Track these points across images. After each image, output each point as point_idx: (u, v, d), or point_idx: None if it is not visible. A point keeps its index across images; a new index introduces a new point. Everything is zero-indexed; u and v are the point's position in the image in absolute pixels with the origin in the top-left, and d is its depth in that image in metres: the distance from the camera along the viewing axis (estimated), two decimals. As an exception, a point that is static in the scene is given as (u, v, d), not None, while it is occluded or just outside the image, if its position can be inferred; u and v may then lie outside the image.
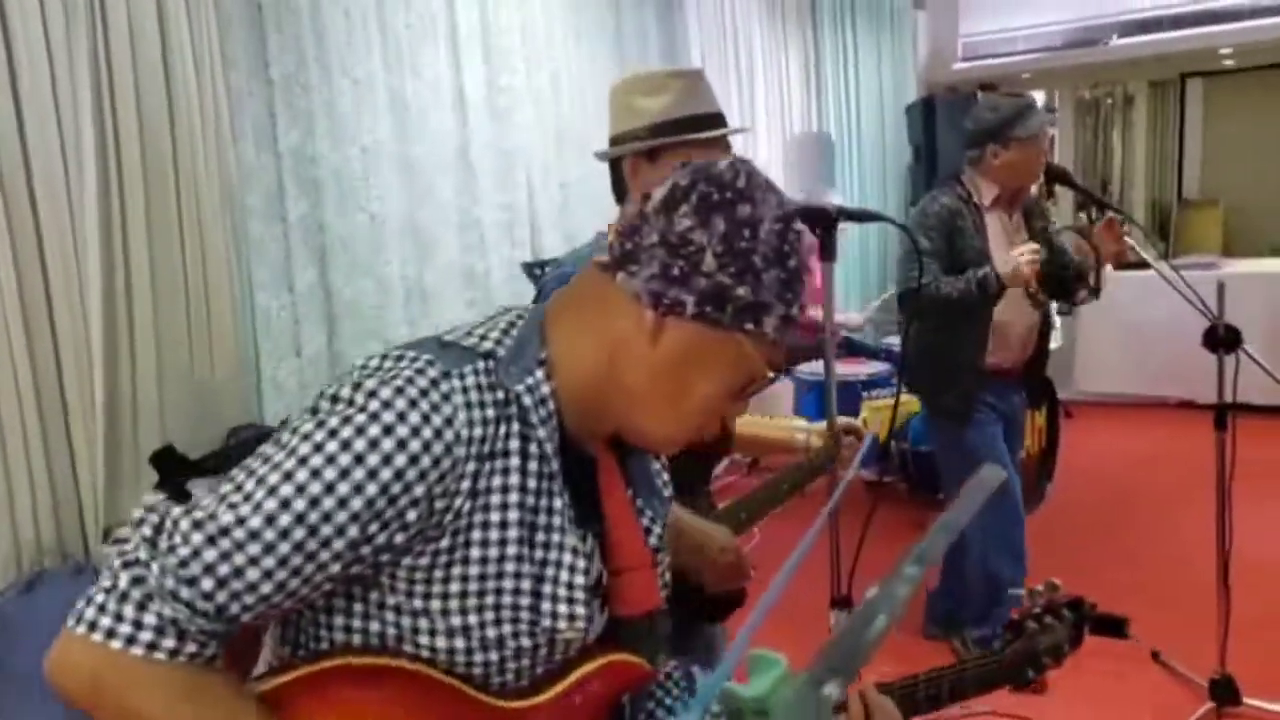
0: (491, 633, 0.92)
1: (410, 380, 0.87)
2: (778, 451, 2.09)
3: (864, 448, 1.36)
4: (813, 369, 4.71)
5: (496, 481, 0.91)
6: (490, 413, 0.90)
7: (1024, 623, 1.22)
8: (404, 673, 0.91)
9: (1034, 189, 3.25)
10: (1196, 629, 3.05)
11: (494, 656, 0.93)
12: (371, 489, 0.84)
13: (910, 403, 4.34)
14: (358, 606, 0.92)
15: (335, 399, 0.88)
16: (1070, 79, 7.47)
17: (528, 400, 0.92)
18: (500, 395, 0.91)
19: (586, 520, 0.98)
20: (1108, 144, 7.86)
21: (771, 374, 1.00)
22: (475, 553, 0.91)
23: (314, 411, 0.89)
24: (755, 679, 1.09)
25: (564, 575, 0.95)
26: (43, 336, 2.43)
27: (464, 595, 0.91)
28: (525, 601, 0.93)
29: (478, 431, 0.89)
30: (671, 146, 1.72)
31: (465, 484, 0.88)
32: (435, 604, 0.91)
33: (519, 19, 3.91)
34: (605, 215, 1.92)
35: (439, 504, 0.87)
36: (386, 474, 0.84)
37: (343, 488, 0.84)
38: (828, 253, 1.63)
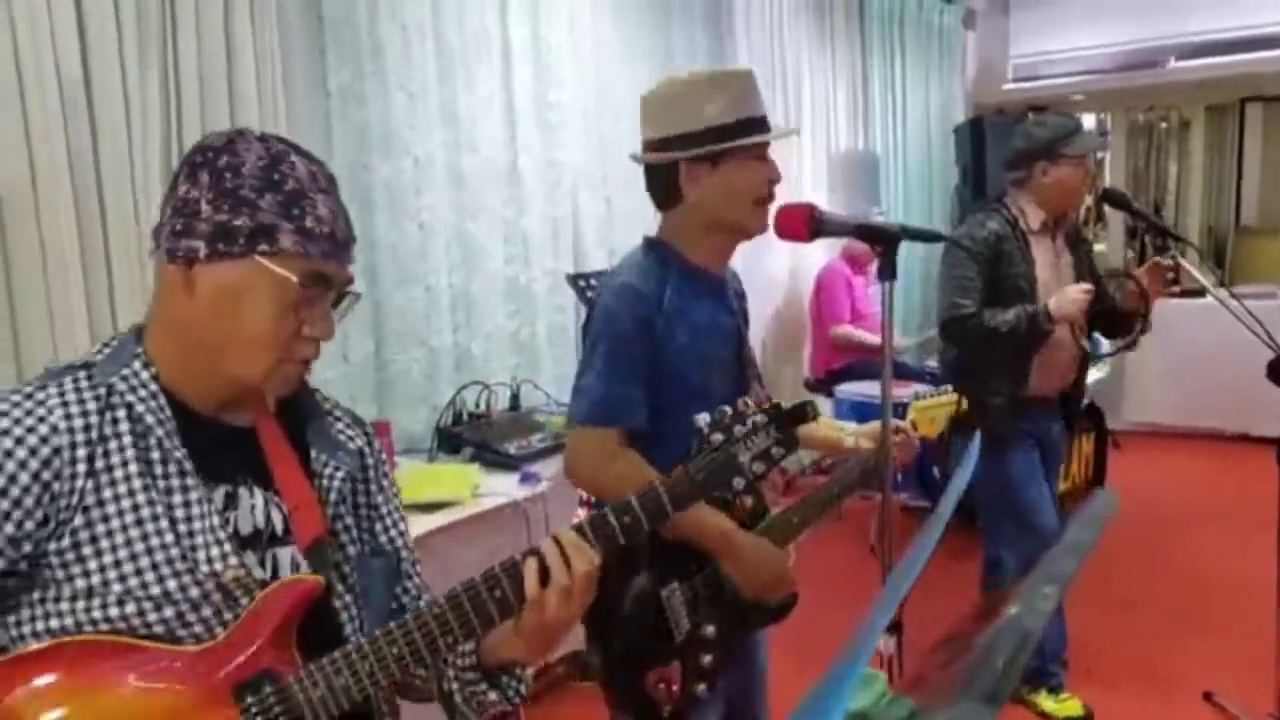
0: (156, 589, 1.03)
1: (2, 400, 1.03)
2: (826, 450, 2.08)
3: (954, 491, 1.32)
4: (856, 389, 4.67)
5: (115, 459, 1.04)
6: (91, 405, 1.05)
7: (709, 437, 1.15)
8: (76, 645, 1.01)
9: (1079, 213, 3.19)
10: (1251, 669, 2.98)
11: (169, 612, 1.03)
12: None
13: (953, 401, 4.25)
14: (37, 610, 1.03)
15: None
16: (1124, 102, 7.35)
17: (122, 386, 1.06)
18: (101, 391, 1.06)
19: (229, 475, 1.11)
20: (1162, 169, 7.73)
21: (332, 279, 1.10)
22: (114, 523, 1.03)
23: None
24: (855, 694, 1.07)
25: (206, 522, 1.06)
26: (102, 315, 2.48)
27: (118, 563, 1.02)
28: (175, 552, 1.04)
29: (78, 422, 1.03)
30: (733, 150, 1.72)
31: (80, 466, 1.02)
32: (95, 578, 1.02)
33: (569, 37, 3.94)
34: (650, 229, 1.93)
35: (56, 486, 1.01)
36: None
37: None
38: (889, 272, 1.61)
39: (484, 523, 2.77)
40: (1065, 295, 2.71)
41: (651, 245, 1.84)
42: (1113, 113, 7.49)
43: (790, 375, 5.47)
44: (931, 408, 2.11)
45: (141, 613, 1.02)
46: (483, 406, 3.49)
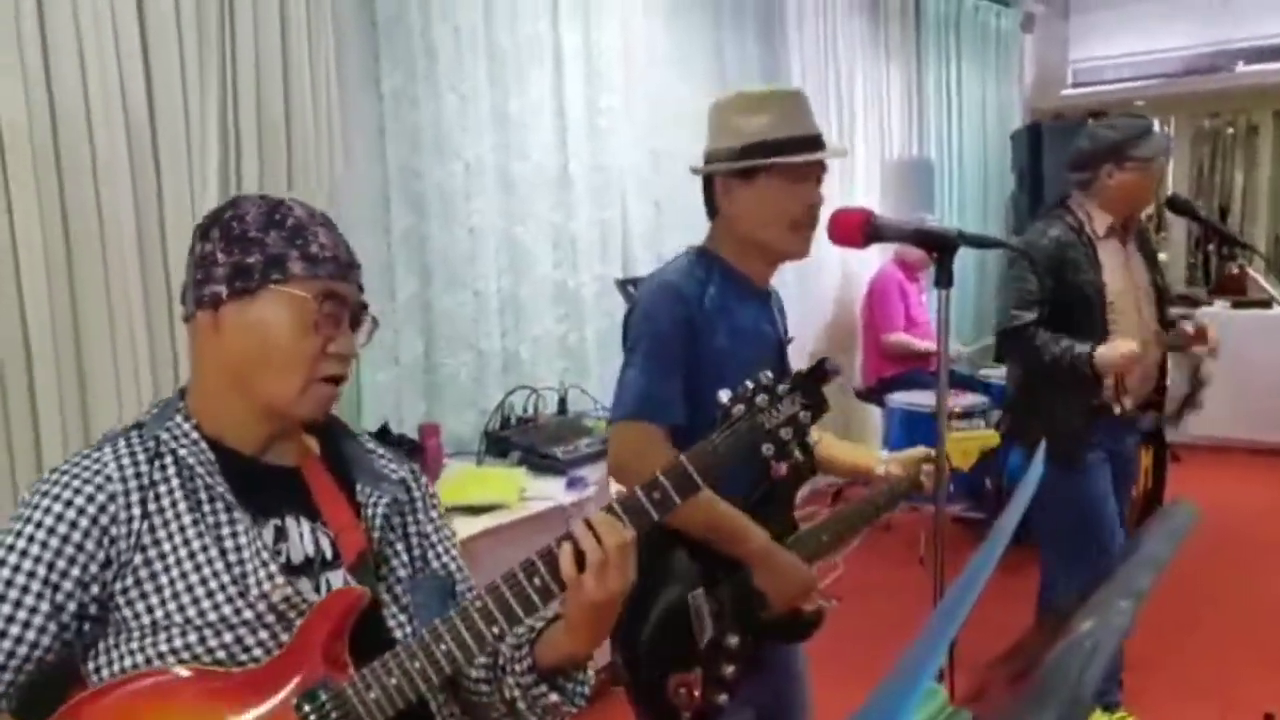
0: (213, 615, 1.11)
1: (65, 461, 1.16)
2: (857, 476, 2.06)
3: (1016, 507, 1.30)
4: (906, 399, 4.60)
5: (165, 501, 1.14)
6: (141, 457, 1.16)
7: (730, 410, 1.14)
8: (146, 674, 1.10)
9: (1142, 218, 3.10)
10: (1314, 692, 2.88)
11: (229, 638, 1.11)
12: (41, 535, 1.09)
13: (988, 437, 4.18)
14: (112, 653, 1.13)
15: (23, 500, 1.15)
16: (1188, 107, 7.17)
17: (166, 436, 1.17)
18: (150, 444, 1.17)
19: (276, 510, 1.20)
20: (1227, 176, 7.52)
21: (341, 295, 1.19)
22: (170, 559, 1.12)
23: None
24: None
25: (252, 549, 1.15)
26: (162, 336, 2.53)
27: (176, 595, 1.11)
28: (227, 578, 1.12)
29: (129, 471, 1.14)
30: (764, 168, 1.70)
31: (135, 510, 1.13)
32: (159, 612, 1.11)
33: (621, 41, 3.94)
34: (698, 234, 1.92)
35: (113, 530, 1.11)
36: (50, 520, 1.10)
37: (20, 544, 1.09)
38: (945, 279, 1.58)
39: (530, 526, 2.78)
40: (1114, 349, 2.62)
41: (695, 251, 1.83)
42: (1176, 118, 7.30)
43: (842, 384, 5.41)
44: (965, 440, 2.08)
45: (203, 640, 1.11)
46: (530, 411, 3.50)
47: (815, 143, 1.75)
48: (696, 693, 1.70)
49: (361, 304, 1.24)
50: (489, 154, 3.46)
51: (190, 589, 1.11)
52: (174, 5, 2.50)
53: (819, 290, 5.22)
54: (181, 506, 1.14)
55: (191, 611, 1.11)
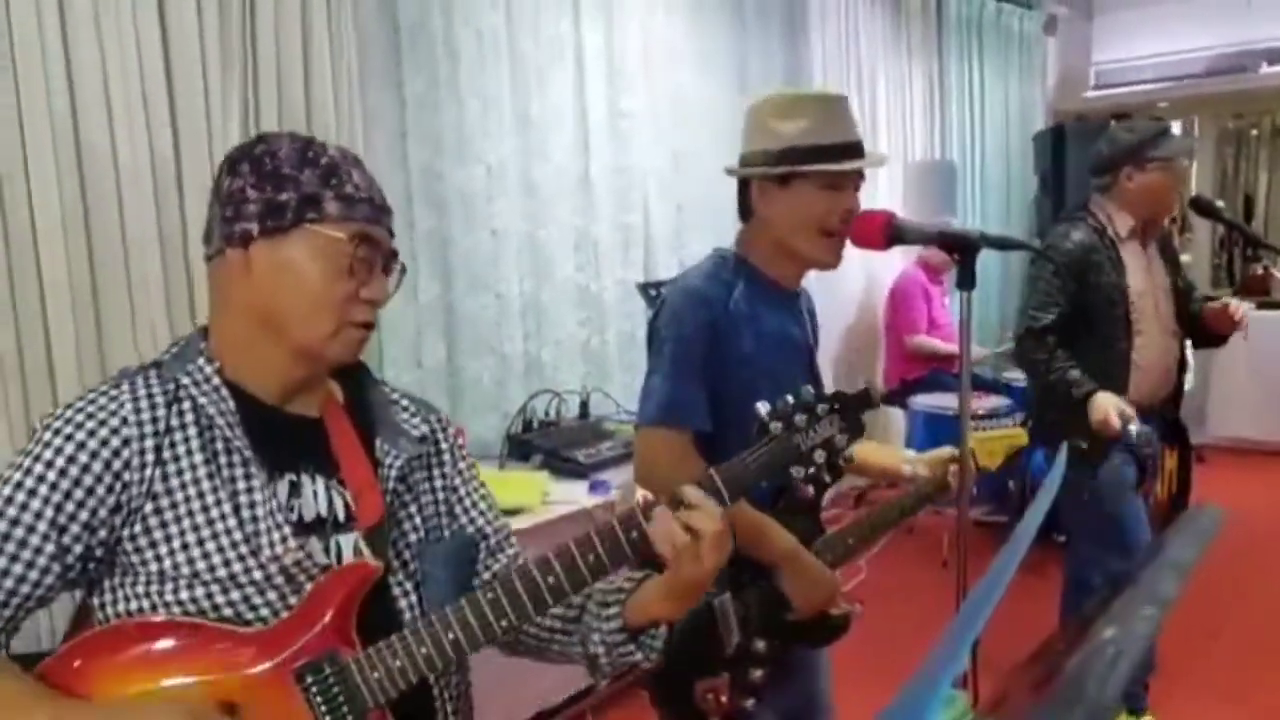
0: (222, 572, 1.09)
1: (79, 398, 1.12)
2: (884, 478, 2.05)
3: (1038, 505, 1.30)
4: (929, 401, 4.58)
5: (181, 449, 1.11)
6: (159, 400, 1.12)
7: (769, 426, 1.14)
8: (147, 624, 1.08)
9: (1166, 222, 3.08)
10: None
11: (236, 595, 1.09)
12: (51, 475, 1.06)
13: (1016, 435, 4.16)
14: (117, 593, 1.10)
15: (34, 433, 1.11)
16: (1212, 108, 7.10)
17: (187, 381, 1.13)
18: (169, 387, 1.13)
19: (292, 465, 1.17)
20: (1251, 177, 7.45)
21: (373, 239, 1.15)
22: (181, 509, 1.10)
23: None
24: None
25: (267, 508, 1.12)
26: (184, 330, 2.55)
27: (185, 547, 1.09)
28: (239, 536, 1.10)
29: (146, 415, 1.10)
30: (802, 174, 1.69)
31: (148, 456, 1.09)
32: (167, 562, 1.09)
33: (642, 43, 3.94)
34: (721, 237, 1.92)
35: (126, 476, 1.08)
36: (61, 461, 1.07)
37: (28, 482, 1.06)
38: (968, 281, 1.56)
39: (553, 530, 2.78)
40: (1109, 403, 2.63)
41: (723, 254, 1.82)
42: (1200, 120, 7.23)
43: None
44: (991, 440, 2.06)
45: (210, 595, 1.09)
46: (552, 414, 3.51)
47: (855, 149, 1.72)
48: (724, 698, 1.69)
49: (393, 250, 1.20)
50: (511, 157, 3.47)
51: (201, 543, 1.09)
52: (196, 10, 2.52)
53: (842, 292, 5.21)
54: (198, 457, 1.11)
55: (201, 565, 1.09)
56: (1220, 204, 2.81)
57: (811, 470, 1.14)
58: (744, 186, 1.79)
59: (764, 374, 1.73)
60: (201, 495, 1.10)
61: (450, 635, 1.12)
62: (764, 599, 1.74)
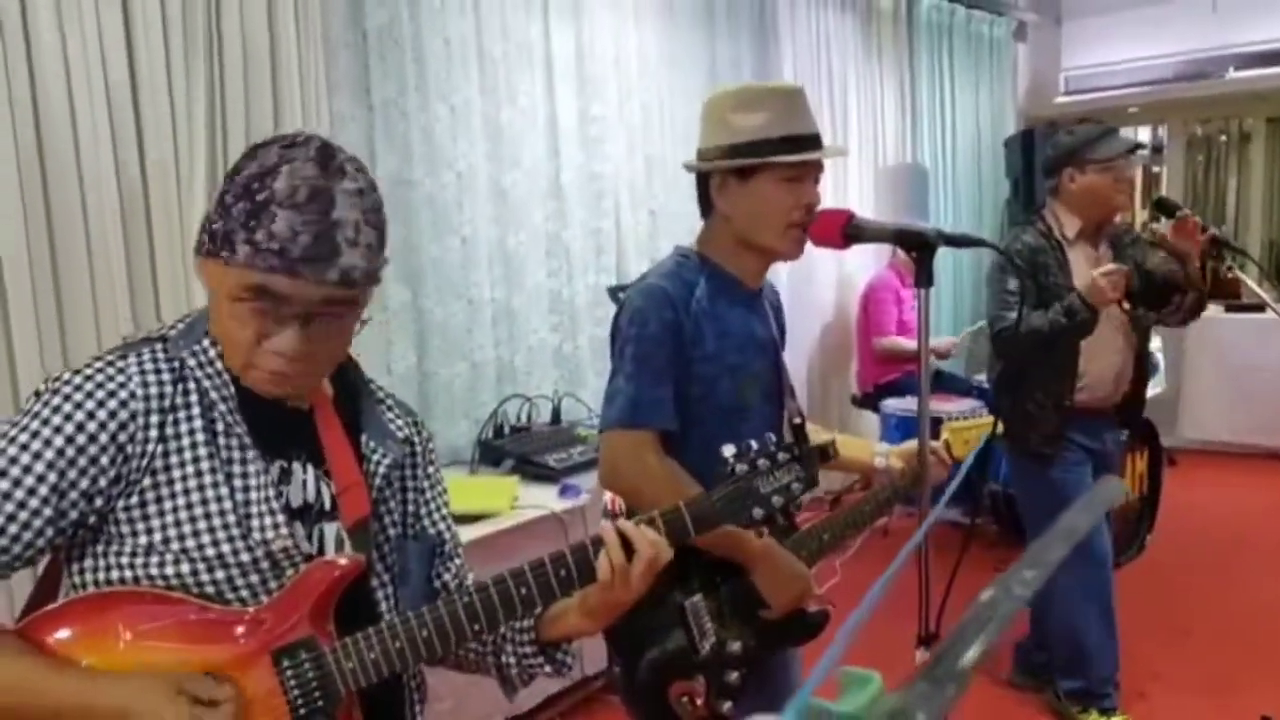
0: (211, 551, 1.11)
1: (87, 365, 1.13)
2: (855, 470, 2.05)
3: (955, 480, 1.31)
4: (901, 405, 4.60)
5: (184, 428, 1.13)
6: (166, 376, 1.14)
7: (734, 467, 1.24)
8: (135, 594, 1.10)
9: (1128, 218, 3.11)
10: (1311, 694, 2.86)
11: (221, 575, 1.12)
12: (59, 441, 1.08)
13: (987, 424, 4.17)
14: (100, 560, 1.12)
15: (38, 394, 1.12)
16: (1181, 113, 7.18)
17: (191, 362, 1.15)
18: (175, 364, 1.15)
19: (284, 451, 1.19)
20: (1221, 182, 7.53)
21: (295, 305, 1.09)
22: (178, 486, 1.12)
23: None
24: (849, 695, 1.05)
25: (262, 494, 1.15)
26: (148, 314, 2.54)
27: (178, 523, 1.11)
28: (232, 519, 1.12)
29: (153, 390, 1.12)
30: (761, 166, 1.70)
31: (152, 432, 1.11)
32: (157, 535, 1.11)
33: (613, 49, 3.95)
34: (693, 240, 1.91)
35: (129, 449, 1.10)
36: (69, 428, 1.08)
37: (34, 445, 1.07)
38: (925, 279, 1.57)
39: (522, 534, 2.77)
40: (1095, 277, 2.63)
41: (684, 253, 1.82)
42: (1169, 125, 7.32)
43: (838, 391, 5.41)
44: (965, 429, 2.06)
45: (195, 573, 1.11)
46: (524, 419, 3.50)
47: (813, 141, 1.73)
48: (700, 701, 1.68)
49: (321, 300, 1.10)
50: (481, 163, 3.47)
51: (193, 520, 1.11)
52: (160, 15, 2.50)
53: (815, 296, 5.23)
54: (200, 436, 1.13)
55: (190, 543, 1.11)
56: (1187, 211, 2.82)
57: (769, 514, 1.25)
58: (703, 182, 1.78)
59: (727, 371, 1.73)
60: (200, 474, 1.13)
61: (424, 634, 1.16)
62: (738, 599, 1.73)
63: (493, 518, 2.78)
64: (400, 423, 1.33)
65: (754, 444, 1.24)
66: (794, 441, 1.27)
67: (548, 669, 1.31)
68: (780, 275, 4.77)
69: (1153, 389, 4.37)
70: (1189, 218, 2.72)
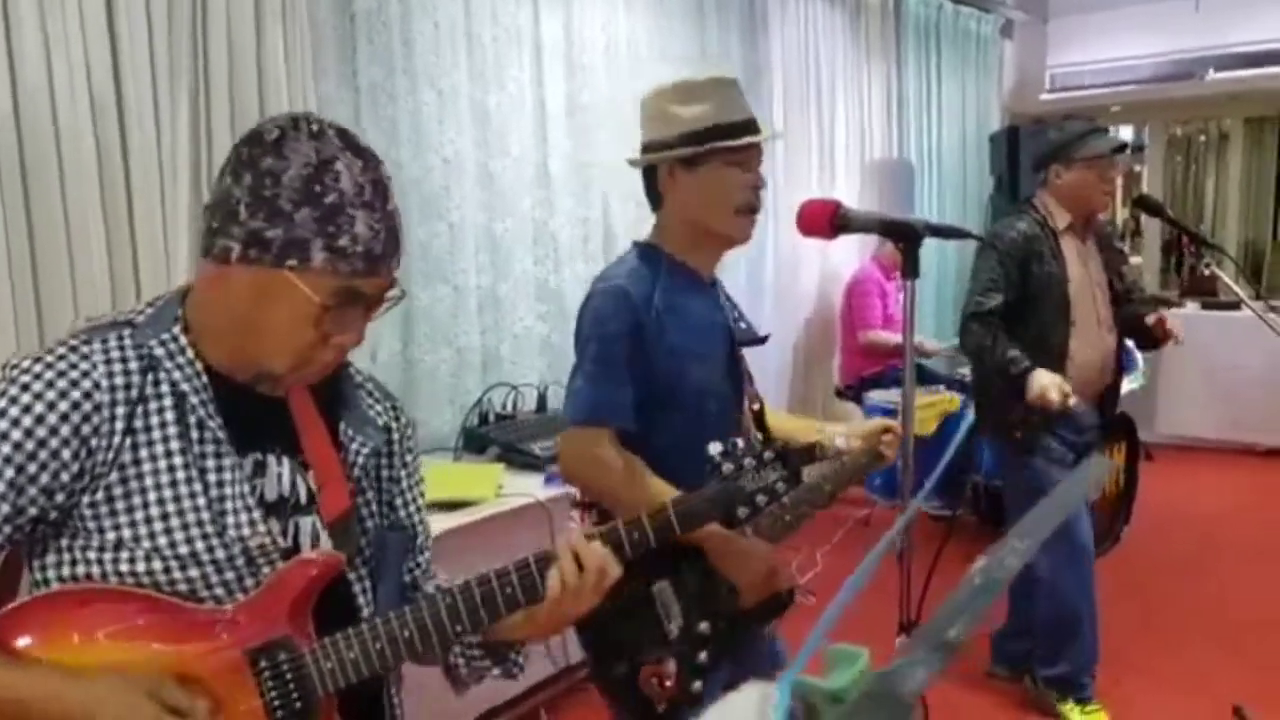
0: (184, 549, 1.07)
1: (48, 352, 1.07)
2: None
3: (938, 470, 1.32)
4: (884, 396, 4.63)
5: (154, 420, 1.08)
6: (133, 365, 1.08)
7: (721, 466, 1.26)
8: (103, 592, 1.06)
9: (1109, 216, 3.17)
10: (1283, 685, 2.91)
11: (194, 573, 1.07)
12: (16, 434, 1.02)
13: (947, 401, 4.22)
14: (64, 555, 1.07)
15: None
16: (1162, 113, 7.25)
17: (160, 351, 1.09)
18: (142, 352, 1.09)
19: (259, 444, 1.14)
20: (1200, 181, 7.62)
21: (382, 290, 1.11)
22: (148, 481, 1.07)
23: None
24: (836, 672, 1.07)
25: (237, 489, 1.10)
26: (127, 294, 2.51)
27: (149, 520, 1.06)
28: (206, 515, 1.08)
29: (120, 380, 1.07)
30: (709, 153, 1.73)
31: (118, 424, 1.06)
32: (126, 532, 1.06)
33: (603, 37, 3.94)
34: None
35: (94, 442, 1.05)
36: (28, 420, 1.02)
37: None
38: (912, 269, 1.59)
39: (507, 521, 2.77)
40: (1050, 383, 2.64)
41: (641, 247, 1.85)
42: (1150, 124, 7.39)
43: (821, 384, 5.43)
44: (923, 406, 2.08)
45: (168, 570, 1.07)
46: (510, 407, 3.50)
47: (753, 126, 1.79)
48: (669, 682, 1.70)
49: (385, 288, 1.13)
50: (468, 149, 3.45)
51: (165, 517, 1.07)
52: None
53: (800, 289, 5.24)
54: (172, 430, 1.08)
55: (162, 540, 1.06)
56: (1175, 211, 2.89)
57: (753, 513, 1.27)
58: (650, 176, 1.82)
59: (693, 360, 1.78)
60: (172, 470, 1.08)
61: (405, 634, 1.13)
62: (705, 580, 1.75)
63: (477, 505, 2.77)
64: (379, 409, 1.28)
65: (739, 443, 1.26)
66: (780, 444, 1.29)
67: (495, 671, 1.29)
68: (765, 268, 4.80)
69: (1131, 384, 4.43)
70: (1164, 323, 2.91)
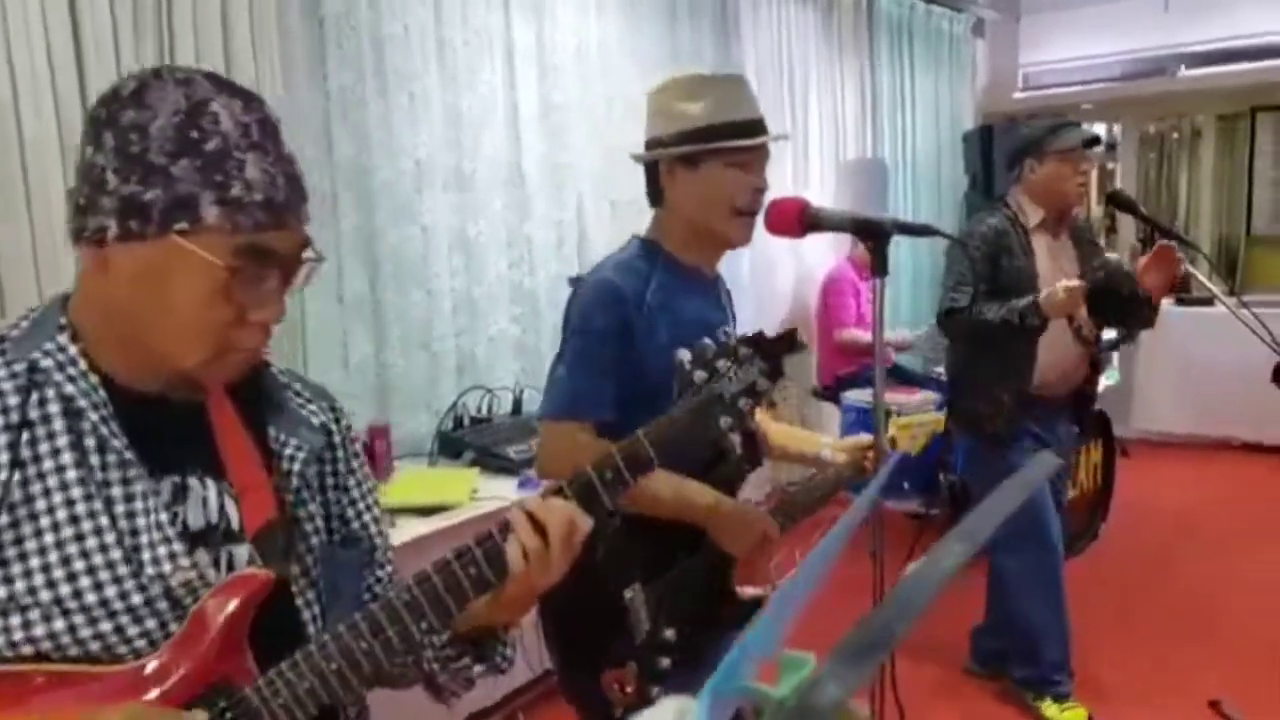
0: (92, 598, 0.90)
1: None
2: (802, 463, 2.08)
3: (890, 463, 1.30)
4: (860, 396, 4.64)
5: (44, 448, 0.92)
6: (9, 386, 0.92)
7: (693, 375, 1.09)
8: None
9: (1083, 213, 3.18)
10: (1259, 678, 2.93)
11: (107, 626, 0.91)
12: None
13: (935, 420, 4.22)
14: None
15: None
16: (1134, 111, 7.31)
17: (48, 364, 0.93)
18: (21, 368, 0.93)
19: (176, 463, 0.97)
20: (1173, 178, 7.68)
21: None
22: (43, 521, 0.90)
23: None
24: (786, 678, 1.06)
25: (151, 519, 0.93)
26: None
27: (46, 568, 0.89)
28: (117, 555, 0.91)
29: None
30: (710, 152, 1.71)
31: (3, 457, 0.90)
32: (19, 585, 0.89)
33: (575, 39, 3.93)
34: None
35: None
36: None
37: None
38: (880, 267, 1.59)
39: (481, 525, 2.72)
40: (1055, 290, 2.68)
41: (641, 242, 1.83)
42: (1123, 122, 7.45)
43: (798, 383, 5.44)
44: (912, 424, 2.10)
45: (73, 629, 0.90)
46: (485, 411, 3.48)
47: (758, 127, 1.75)
48: (630, 688, 1.69)
49: (303, 243, 0.97)
50: (440, 152, 3.43)
51: (66, 562, 0.89)
52: (109, 3, 2.44)
53: (775, 289, 5.25)
54: (67, 457, 0.91)
55: (65, 590, 0.89)
56: (1148, 207, 2.90)
57: (740, 420, 1.09)
58: (652, 172, 1.80)
59: None
60: (70, 504, 0.91)
61: (363, 644, 0.96)
62: (676, 587, 1.74)
63: (451, 510, 2.75)
64: (314, 407, 1.12)
65: (709, 342, 1.10)
66: (756, 334, 1.12)
67: (479, 669, 1.14)
68: (741, 268, 4.79)
69: (1106, 380, 4.46)
70: (1170, 248, 2.71)
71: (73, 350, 0.95)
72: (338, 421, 1.15)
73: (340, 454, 1.14)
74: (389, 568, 1.19)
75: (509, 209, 3.72)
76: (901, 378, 4.88)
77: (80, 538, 0.91)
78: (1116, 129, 7.53)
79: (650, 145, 1.79)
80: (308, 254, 0.98)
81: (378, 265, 3.28)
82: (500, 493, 2.90)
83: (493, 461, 3.16)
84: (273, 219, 0.92)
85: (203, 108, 0.90)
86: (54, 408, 0.93)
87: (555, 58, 3.84)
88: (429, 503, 2.74)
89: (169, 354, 0.94)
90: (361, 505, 1.16)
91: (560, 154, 3.88)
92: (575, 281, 3.67)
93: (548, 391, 1.75)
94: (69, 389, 0.93)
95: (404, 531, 2.59)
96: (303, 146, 3.02)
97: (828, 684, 0.60)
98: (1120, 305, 2.87)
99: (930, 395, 4.47)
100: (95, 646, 0.90)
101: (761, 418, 1.97)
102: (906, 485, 4.20)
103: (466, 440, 3.27)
